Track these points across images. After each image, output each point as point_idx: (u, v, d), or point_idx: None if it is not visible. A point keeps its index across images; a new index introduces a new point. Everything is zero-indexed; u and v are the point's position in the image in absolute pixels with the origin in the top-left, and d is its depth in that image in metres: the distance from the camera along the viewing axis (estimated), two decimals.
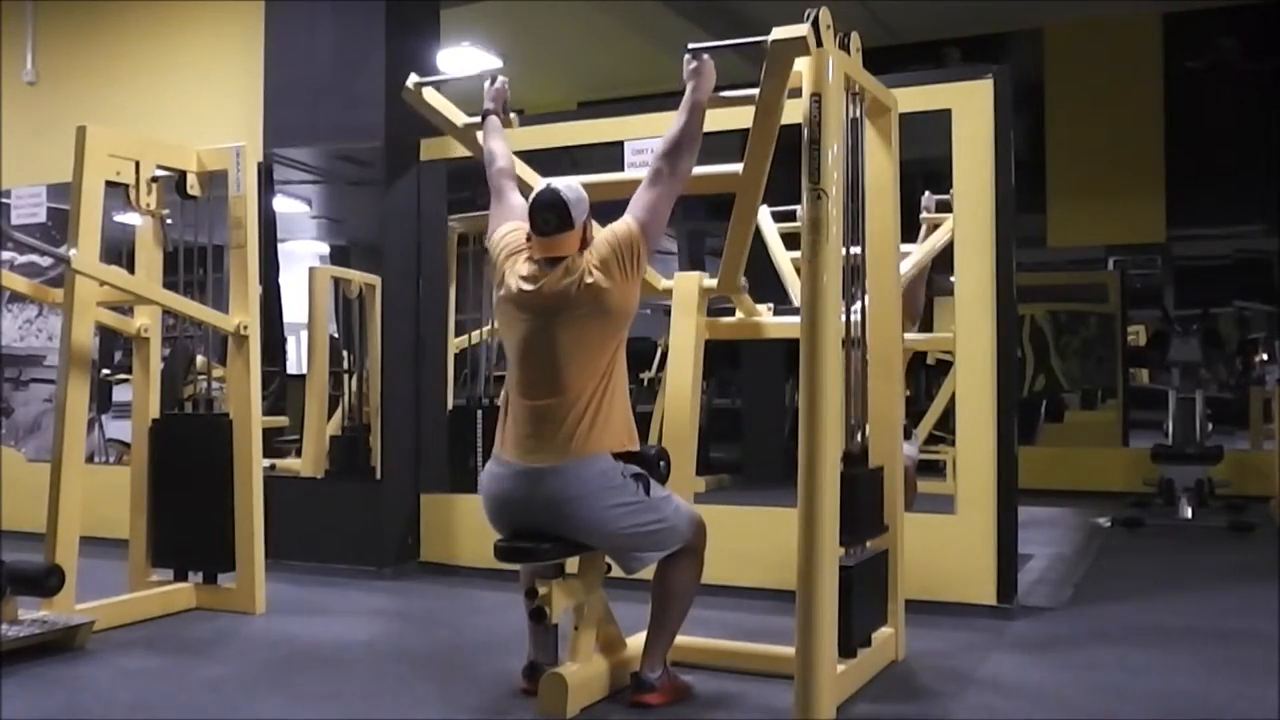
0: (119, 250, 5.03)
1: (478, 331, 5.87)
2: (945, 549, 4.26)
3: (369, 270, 6.07)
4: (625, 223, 3.09)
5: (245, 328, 4.49)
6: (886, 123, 3.60)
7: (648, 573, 3.18)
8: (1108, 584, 4.98)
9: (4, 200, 6.45)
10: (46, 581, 3.83)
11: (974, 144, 4.30)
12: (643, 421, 7.97)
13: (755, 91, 3.13)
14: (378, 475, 5.45)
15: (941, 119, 4.31)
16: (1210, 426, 7.45)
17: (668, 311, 3.90)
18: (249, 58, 5.76)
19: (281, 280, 6.26)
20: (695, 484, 3.86)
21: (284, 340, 6.55)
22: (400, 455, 5.38)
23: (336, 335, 6.52)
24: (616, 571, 3.22)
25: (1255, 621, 4.18)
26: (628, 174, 3.76)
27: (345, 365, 6.47)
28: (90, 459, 6.04)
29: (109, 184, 4.22)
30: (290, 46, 5.65)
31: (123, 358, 6.46)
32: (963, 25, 8.42)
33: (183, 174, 4.51)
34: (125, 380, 5.88)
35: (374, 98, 5.34)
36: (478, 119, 3.68)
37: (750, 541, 4.51)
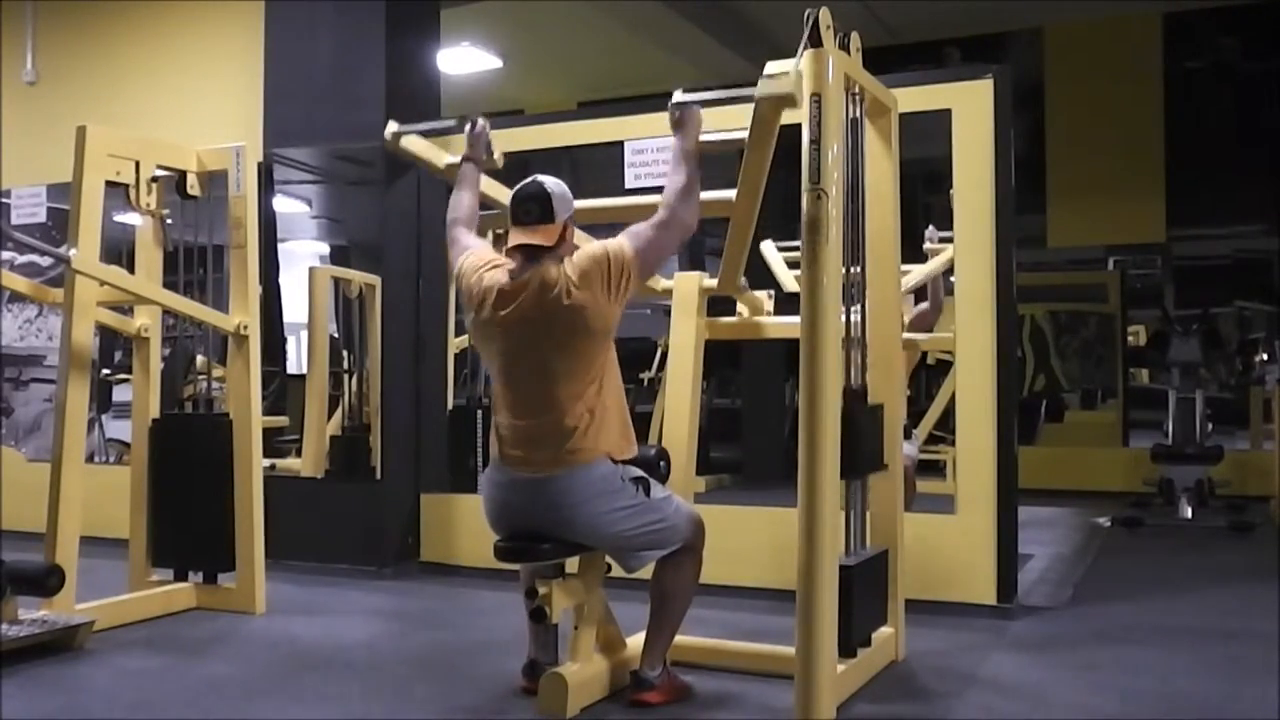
0: (119, 250, 5.03)
1: None
2: (945, 549, 4.26)
3: (369, 270, 6.07)
4: (621, 246, 3.01)
5: (245, 328, 4.49)
6: (886, 123, 3.60)
7: (647, 572, 3.18)
8: (1108, 584, 4.98)
9: (4, 200, 6.45)
10: (46, 581, 3.82)
11: (974, 144, 4.30)
12: (643, 421, 8.00)
13: (743, 135, 3.15)
14: (378, 475, 5.45)
15: (941, 119, 4.31)
16: (1210, 426, 7.45)
17: (668, 311, 3.90)
18: (249, 58, 5.76)
19: (281, 280, 6.27)
20: (695, 484, 3.86)
21: (284, 340, 6.56)
22: (400, 455, 5.38)
23: (336, 335, 6.52)
24: (616, 571, 3.22)
25: (1255, 621, 4.18)
26: (627, 200, 3.72)
27: (345, 365, 6.47)
28: (90, 459, 6.04)
29: (109, 184, 4.22)
30: (290, 46, 5.64)
31: (123, 358, 6.46)
32: (963, 25, 8.42)
33: (183, 174, 4.51)
34: (125, 380, 5.88)
35: (374, 98, 5.34)
36: (457, 160, 3.58)
37: (750, 541, 4.51)
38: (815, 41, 2.94)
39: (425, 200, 5.44)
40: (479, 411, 5.39)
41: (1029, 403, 9.02)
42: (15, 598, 3.81)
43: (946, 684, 3.40)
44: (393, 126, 3.73)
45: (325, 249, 7.57)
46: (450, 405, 5.48)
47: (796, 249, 2.99)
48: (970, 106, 4.30)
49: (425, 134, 3.82)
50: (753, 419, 8.80)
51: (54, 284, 4.60)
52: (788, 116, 3.13)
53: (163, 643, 3.99)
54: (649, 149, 4.79)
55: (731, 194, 3.31)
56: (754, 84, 3.04)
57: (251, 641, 4.05)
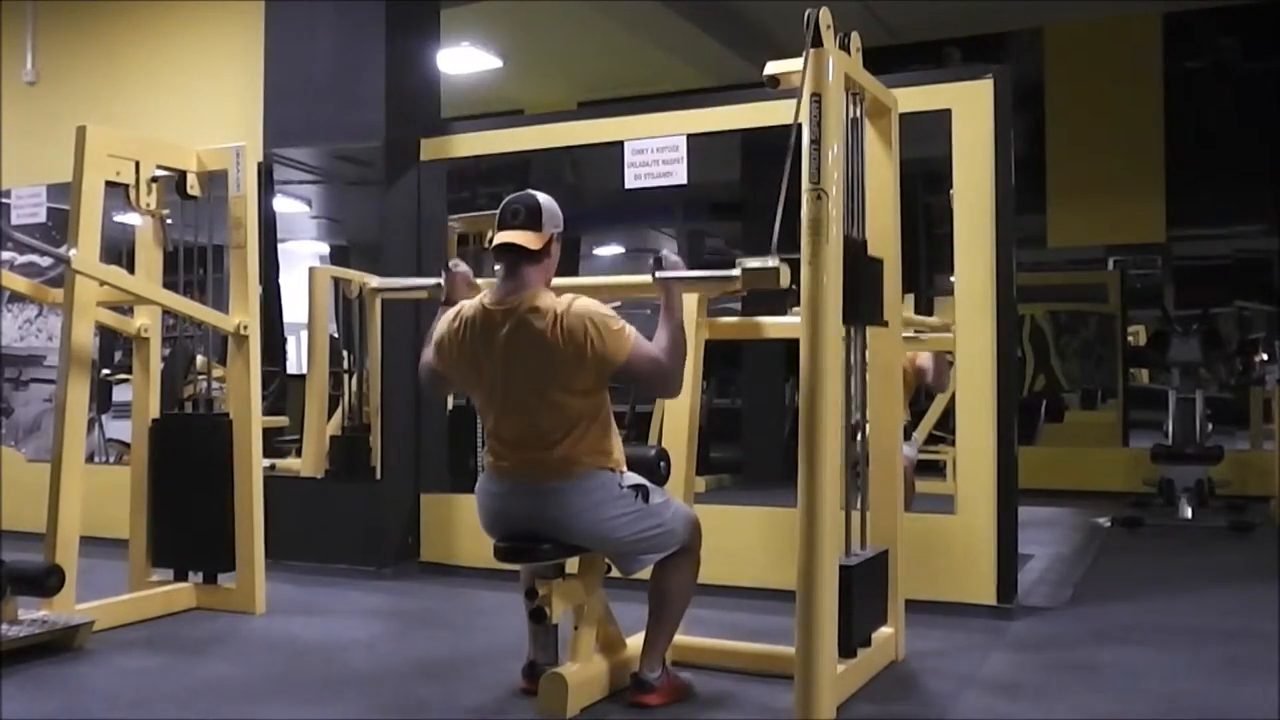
0: (119, 250, 5.03)
1: None
2: (945, 549, 4.26)
3: (369, 270, 6.07)
4: (625, 343, 2.94)
5: (245, 328, 4.48)
6: (886, 123, 3.60)
7: (646, 572, 3.18)
8: (1108, 584, 4.98)
9: (4, 200, 6.45)
10: (46, 581, 3.82)
11: (974, 144, 4.30)
12: (643, 421, 8.00)
13: (721, 286, 3.21)
14: (378, 475, 5.45)
15: (941, 119, 4.31)
16: (1210, 426, 7.45)
17: None
18: (249, 58, 5.76)
19: (281, 280, 6.27)
20: (695, 484, 3.86)
21: (284, 340, 6.56)
22: (400, 455, 5.38)
23: (336, 335, 6.52)
24: (616, 571, 3.22)
25: (1255, 621, 4.18)
26: (634, 278, 3.67)
27: (345, 365, 6.47)
28: (90, 459, 6.04)
29: (109, 184, 4.22)
30: (290, 46, 5.64)
31: (123, 358, 6.46)
32: (963, 25, 8.43)
33: (183, 174, 4.51)
34: (125, 380, 5.88)
35: (374, 98, 5.34)
36: (440, 285, 3.45)
37: (750, 541, 4.51)
38: (816, 41, 2.94)
39: (425, 200, 5.44)
40: (478, 414, 5.39)
41: (1029, 403, 9.02)
42: (15, 598, 3.81)
43: (946, 684, 3.40)
44: (372, 283, 3.73)
45: (325, 249, 7.58)
46: (450, 405, 5.49)
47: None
48: (970, 106, 4.30)
49: (403, 290, 3.81)
50: (753, 419, 8.80)
51: (54, 284, 4.59)
52: (788, 116, 3.13)
53: (163, 643, 3.99)
54: (649, 149, 4.79)
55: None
56: (755, 84, 3.04)
57: (251, 641, 4.05)
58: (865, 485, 3.48)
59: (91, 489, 4.19)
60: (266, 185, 5.65)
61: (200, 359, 5.39)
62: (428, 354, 3.26)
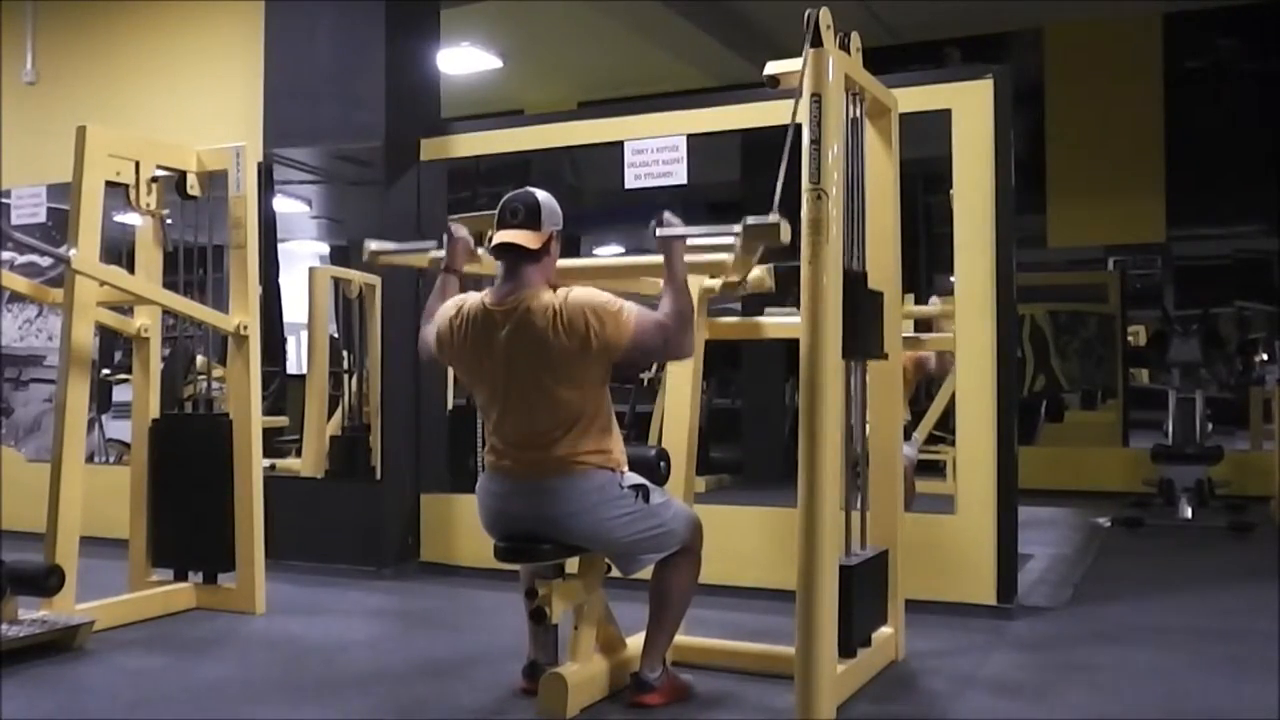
0: (119, 250, 5.03)
1: None
2: (945, 549, 4.26)
3: (369, 270, 6.07)
4: (627, 322, 2.92)
5: (245, 328, 4.49)
6: (886, 123, 3.60)
7: (646, 572, 3.18)
8: (1108, 584, 4.98)
9: (4, 200, 6.45)
10: (46, 581, 3.82)
11: (974, 144, 4.30)
12: (643, 421, 7.99)
13: (727, 256, 3.21)
14: (378, 475, 5.45)
15: (941, 119, 4.31)
16: (1210, 426, 7.45)
17: None
18: (249, 58, 5.76)
19: (281, 280, 6.27)
20: (695, 484, 3.86)
21: (284, 340, 6.56)
22: (400, 455, 5.38)
23: (336, 335, 6.52)
24: (616, 571, 3.22)
25: (1255, 621, 4.18)
26: (639, 259, 3.68)
27: (345, 365, 6.47)
28: (90, 459, 6.04)
29: (109, 184, 4.22)
30: (290, 46, 5.64)
31: (123, 358, 6.46)
32: (963, 25, 8.42)
33: (183, 174, 4.51)
34: (125, 380, 5.88)
35: (374, 98, 5.34)
36: (440, 254, 3.49)
37: (750, 541, 4.51)
38: (815, 41, 2.93)
39: (425, 200, 5.44)
40: (479, 411, 5.39)
41: (1029, 403, 9.01)
42: (15, 598, 3.81)
43: (946, 684, 3.40)
44: (371, 246, 3.71)
45: (325, 249, 7.58)
46: (450, 405, 5.48)
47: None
48: (970, 106, 4.30)
49: (403, 254, 3.80)
50: (753, 419, 8.80)
51: (54, 284, 4.59)
52: (788, 116, 3.13)
53: (163, 643, 3.99)
54: (649, 149, 4.78)
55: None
56: (755, 84, 3.04)
57: (251, 641, 4.05)
58: (865, 485, 3.48)
59: (91, 489, 4.19)
60: (266, 185, 5.65)
61: (200, 359, 5.39)
62: (427, 334, 3.26)
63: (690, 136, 4.74)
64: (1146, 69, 8.53)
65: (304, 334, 6.41)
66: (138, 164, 4.36)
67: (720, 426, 8.90)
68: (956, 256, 4.39)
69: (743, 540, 4.47)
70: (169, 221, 4.63)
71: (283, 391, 6.59)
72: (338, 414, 6.39)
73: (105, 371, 6.63)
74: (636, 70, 8.77)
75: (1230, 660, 3.66)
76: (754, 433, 8.75)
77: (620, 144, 4.90)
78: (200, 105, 5.96)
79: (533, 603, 3.08)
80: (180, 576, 4.55)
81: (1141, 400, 9.06)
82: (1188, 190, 8.36)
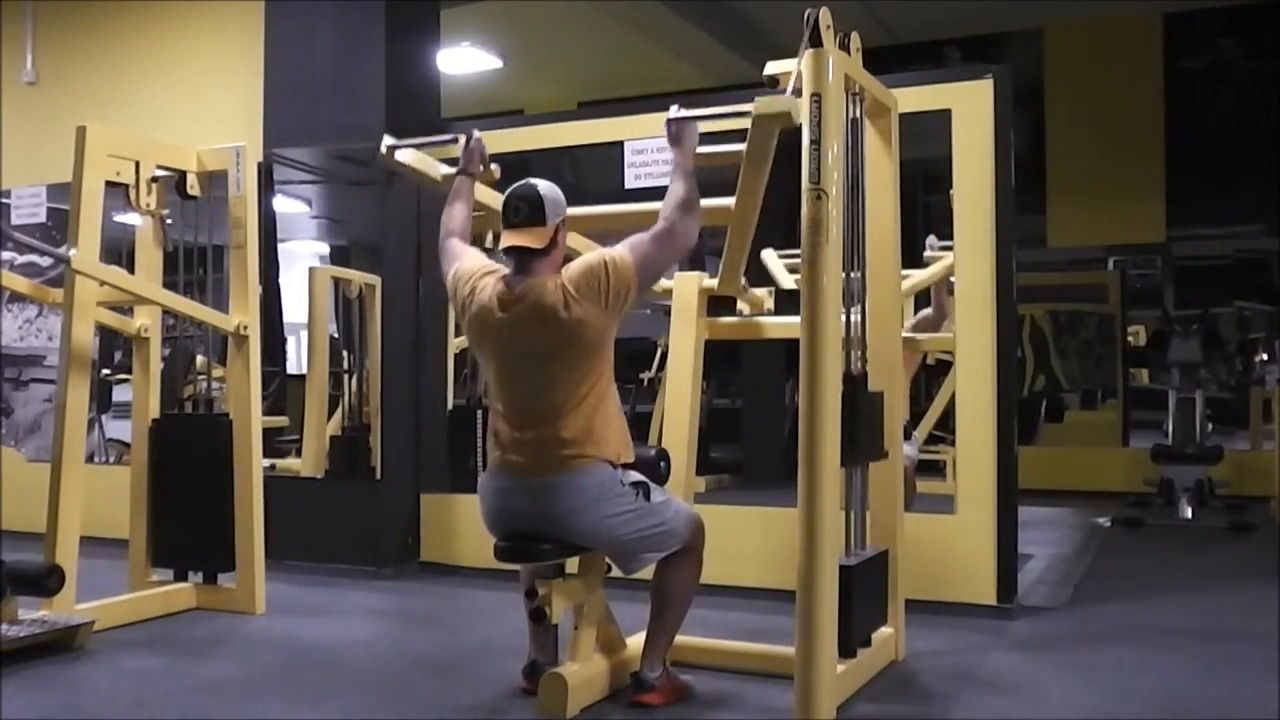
0: (119, 250, 5.03)
1: None
2: (945, 549, 4.26)
3: (369, 270, 6.07)
4: (624, 259, 2.99)
5: (245, 328, 4.49)
6: (886, 123, 3.60)
7: (647, 572, 3.18)
8: (1108, 584, 4.98)
9: (4, 200, 6.45)
10: (46, 581, 3.83)
11: (974, 144, 4.30)
12: (643, 421, 7.99)
13: (740, 147, 3.15)
14: (378, 475, 5.44)
15: (941, 119, 4.31)
16: (1210, 426, 7.45)
17: (668, 312, 3.89)
18: (249, 58, 5.76)
19: (281, 280, 6.26)
20: (695, 484, 3.86)
21: (284, 340, 6.55)
22: (400, 455, 5.38)
23: (336, 335, 6.51)
24: (616, 571, 3.22)
25: (1255, 621, 4.18)
26: (627, 206, 3.73)
27: (345, 365, 6.46)
28: (90, 459, 6.04)
29: (109, 184, 4.22)
30: (290, 46, 5.64)
31: (123, 358, 6.46)
32: (963, 25, 8.43)
33: (183, 174, 4.51)
34: (125, 380, 5.87)
35: (374, 98, 5.34)
36: (453, 171, 3.57)
37: (750, 541, 4.51)
38: (815, 41, 2.93)
39: (425, 200, 5.44)
40: (479, 411, 5.38)
41: (1029, 403, 9.02)
42: (15, 598, 3.81)
43: (946, 684, 3.40)
44: (388, 140, 3.72)
45: (325, 249, 7.56)
46: (450, 405, 5.48)
47: (797, 255, 2.99)
48: (970, 106, 4.30)
49: (421, 148, 3.80)
50: (753, 419, 8.80)
51: (54, 284, 4.59)
52: None
53: (163, 643, 3.99)
54: (649, 149, 4.79)
55: (730, 201, 3.30)
56: (755, 84, 3.05)
57: (251, 641, 4.05)
58: (865, 485, 3.48)
59: (91, 489, 4.19)
60: (266, 185, 5.65)
61: (200, 359, 5.38)
62: (447, 258, 3.29)
63: None
64: (1146, 69, 8.53)
65: (304, 334, 6.40)
66: (138, 164, 4.37)
67: (720, 426, 8.90)
68: (956, 256, 4.40)
69: (743, 540, 4.47)
70: (169, 221, 4.63)
71: (283, 391, 6.58)
72: (338, 414, 6.38)
73: (105, 371, 6.62)
74: (636, 70, 8.77)
75: (1230, 660, 3.66)
76: (754, 433, 8.75)
77: (620, 144, 4.91)
78: (200, 105, 5.96)
79: (533, 603, 3.08)
80: (180, 576, 4.55)
81: (1141, 400, 9.06)
82: (1188, 190, 8.36)
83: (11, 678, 3.47)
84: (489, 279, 3.10)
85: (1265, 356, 10.04)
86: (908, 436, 4.74)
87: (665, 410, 3.91)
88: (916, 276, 4.98)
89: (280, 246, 6.22)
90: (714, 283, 3.73)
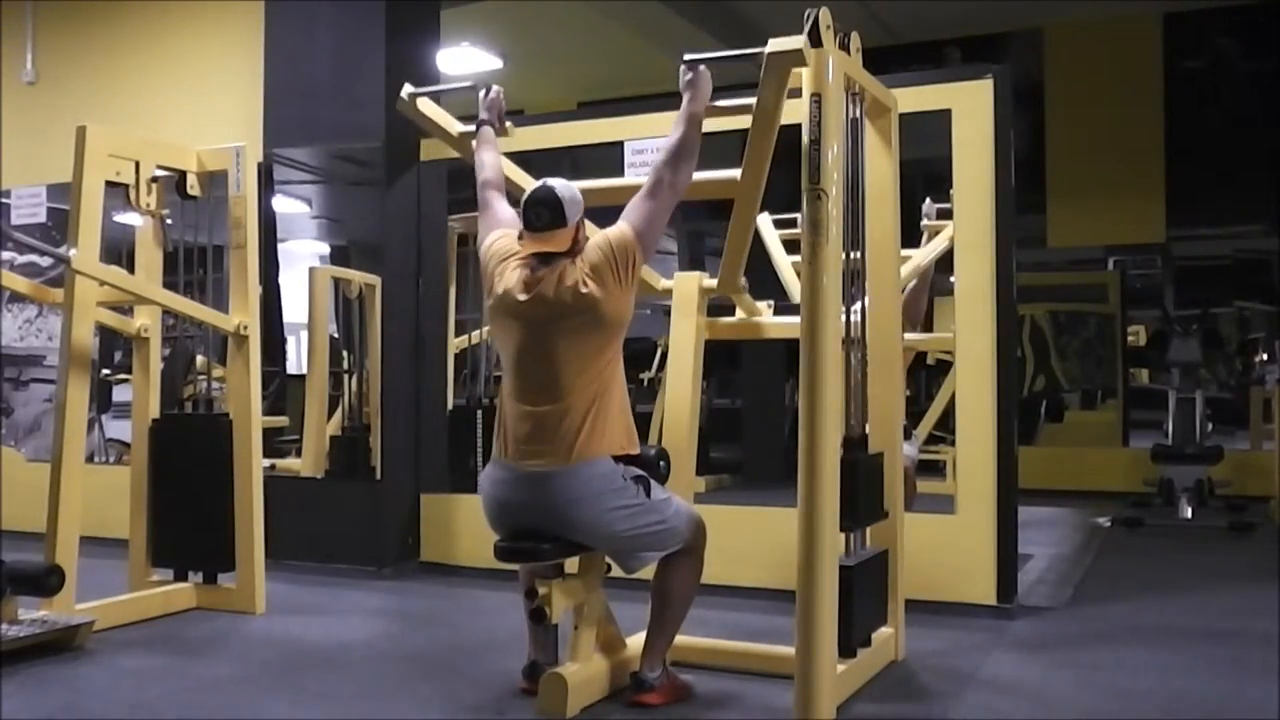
0: (119, 250, 5.03)
1: (478, 331, 5.87)
2: (945, 549, 4.26)
3: (369, 270, 6.07)
4: (621, 231, 3.07)
5: (245, 328, 4.49)
6: (886, 123, 3.60)
7: (647, 572, 3.18)
8: (1108, 584, 4.98)
9: (4, 200, 6.45)
10: (46, 581, 3.83)
11: (974, 144, 4.30)
12: (643, 421, 7.98)
13: (752, 101, 3.12)
14: (378, 475, 5.45)
15: (941, 119, 4.31)
16: (1210, 426, 7.45)
17: (668, 311, 3.90)
18: (249, 58, 5.77)
19: (281, 280, 6.26)
20: (695, 484, 3.86)
21: (284, 340, 6.56)
22: (400, 455, 5.38)
23: (336, 335, 6.51)
24: (616, 571, 3.22)
25: (1255, 621, 4.18)
26: (626, 179, 3.76)
27: (345, 365, 6.47)
28: (90, 459, 6.04)
29: (109, 184, 4.22)
30: (290, 46, 5.65)
31: (123, 358, 6.46)
32: (963, 25, 8.43)
33: (183, 174, 4.51)
34: (125, 380, 5.88)
35: (374, 98, 5.34)
36: (473, 128, 3.63)
37: (750, 541, 4.51)
38: (815, 41, 2.94)
39: (425, 200, 5.45)
40: (479, 411, 5.39)
41: (1029, 403, 9.02)
42: (15, 598, 3.81)
43: (946, 684, 3.40)
44: (408, 88, 3.75)
45: (325, 249, 7.56)
46: (450, 405, 5.49)
47: (794, 224, 2.99)
48: (970, 106, 4.30)
49: (441, 95, 3.83)
50: (753, 419, 8.80)
51: (54, 284, 4.59)
52: (788, 116, 3.13)
53: (163, 643, 3.99)
54: (649, 149, 4.78)
55: (736, 173, 3.30)
56: (755, 84, 3.05)
57: (251, 641, 4.05)
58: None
59: (91, 489, 4.19)
60: (266, 185, 5.65)
61: (200, 359, 5.39)
62: (489, 205, 3.37)
63: None
64: (1146, 69, 8.53)
65: (304, 334, 6.41)
66: (138, 164, 4.37)
67: (720, 426, 8.90)
68: (956, 256, 4.39)
69: (743, 540, 4.47)
70: (169, 221, 4.63)
71: (283, 391, 6.58)
72: (338, 414, 6.39)
73: (105, 371, 6.62)
74: (636, 70, 8.76)
75: (1230, 660, 3.66)
76: (754, 433, 8.75)
77: (620, 144, 4.91)
78: (200, 105, 5.97)
79: (533, 603, 3.08)
80: (180, 576, 4.55)
81: (1141, 400, 9.06)
82: (1188, 190, 8.36)
83: (11, 678, 3.47)
84: (515, 267, 3.12)
85: (1265, 356, 10.04)
86: (908, 436, 4.74)
87: (665, 410, 3.91)
88: (916, 257, 4.93)
89: (280, 246, 6.22)
90: (714, 282, 3.73)
